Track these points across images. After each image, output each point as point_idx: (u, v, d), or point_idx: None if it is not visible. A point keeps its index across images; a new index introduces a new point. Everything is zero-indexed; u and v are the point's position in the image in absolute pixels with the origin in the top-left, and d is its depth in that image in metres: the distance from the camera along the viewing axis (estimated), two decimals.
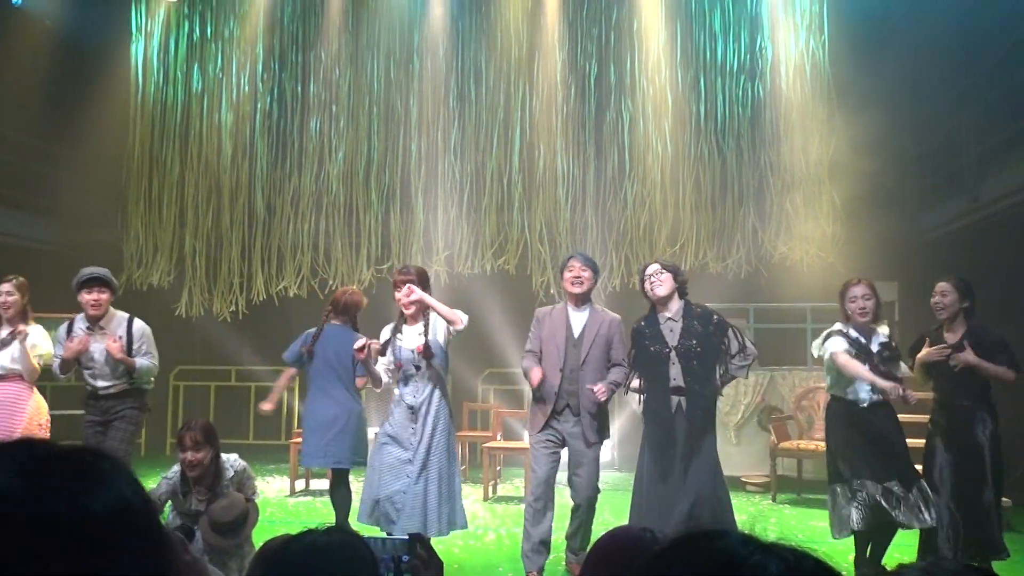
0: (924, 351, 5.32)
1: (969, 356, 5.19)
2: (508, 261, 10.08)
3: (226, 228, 10.44)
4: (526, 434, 9.21)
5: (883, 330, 5.31)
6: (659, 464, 4.98)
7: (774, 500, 8.27)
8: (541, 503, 5.19)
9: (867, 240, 9.74)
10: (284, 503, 8.00)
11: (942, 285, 5.35)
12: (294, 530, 1.66)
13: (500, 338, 10.30)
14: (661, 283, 5.09)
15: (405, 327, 5.16)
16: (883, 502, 4.97)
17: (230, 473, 4.45)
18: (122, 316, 5.72)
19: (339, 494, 5.75)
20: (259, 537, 4.62)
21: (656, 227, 9.98)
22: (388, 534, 4.47)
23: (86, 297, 5.56)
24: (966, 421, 5.26)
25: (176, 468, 4.48)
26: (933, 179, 10.25)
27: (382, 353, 5.21)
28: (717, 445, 5.14)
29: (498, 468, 8.83)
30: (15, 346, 5.58)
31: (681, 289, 5.21)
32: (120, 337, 5.64)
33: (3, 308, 5.64)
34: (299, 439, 7.49)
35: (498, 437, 8.83)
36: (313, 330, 5.94)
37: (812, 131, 9.90)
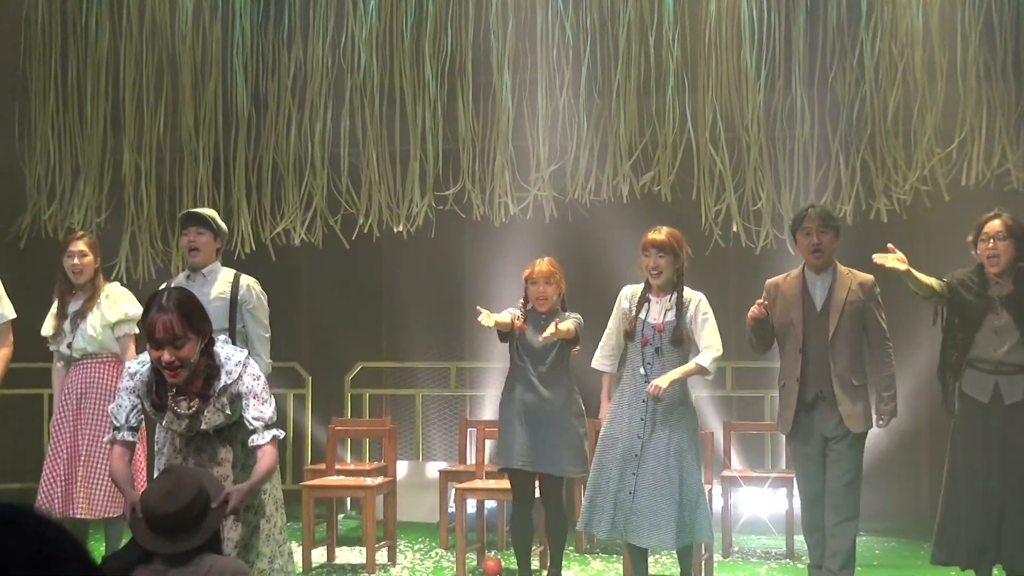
0: None
1: None
2: (658, 179, 7.29)
3: (188, 134, 7.90)
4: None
5: None
6: (971, 477, 4.64)
7: None
8: (817, 535, 4.81)
9: None
10: None
11: None
12: None
13: None
14: (999, 254, 4.69)
15: (651, 297, 4.95)
16: None
17: (225, 379, 3.40)
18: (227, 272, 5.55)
19: (552, 520, 5.68)
20: None
21: (916, 112, 6.97)
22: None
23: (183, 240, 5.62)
24: None
25: (136, 366, 3.48)
26: None
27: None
28: None
29: None
30: (95, 318, 5.46)
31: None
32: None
33: (75, 273, 5.48)
34: (317, 480, 6.67)
35: None
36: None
37: None
